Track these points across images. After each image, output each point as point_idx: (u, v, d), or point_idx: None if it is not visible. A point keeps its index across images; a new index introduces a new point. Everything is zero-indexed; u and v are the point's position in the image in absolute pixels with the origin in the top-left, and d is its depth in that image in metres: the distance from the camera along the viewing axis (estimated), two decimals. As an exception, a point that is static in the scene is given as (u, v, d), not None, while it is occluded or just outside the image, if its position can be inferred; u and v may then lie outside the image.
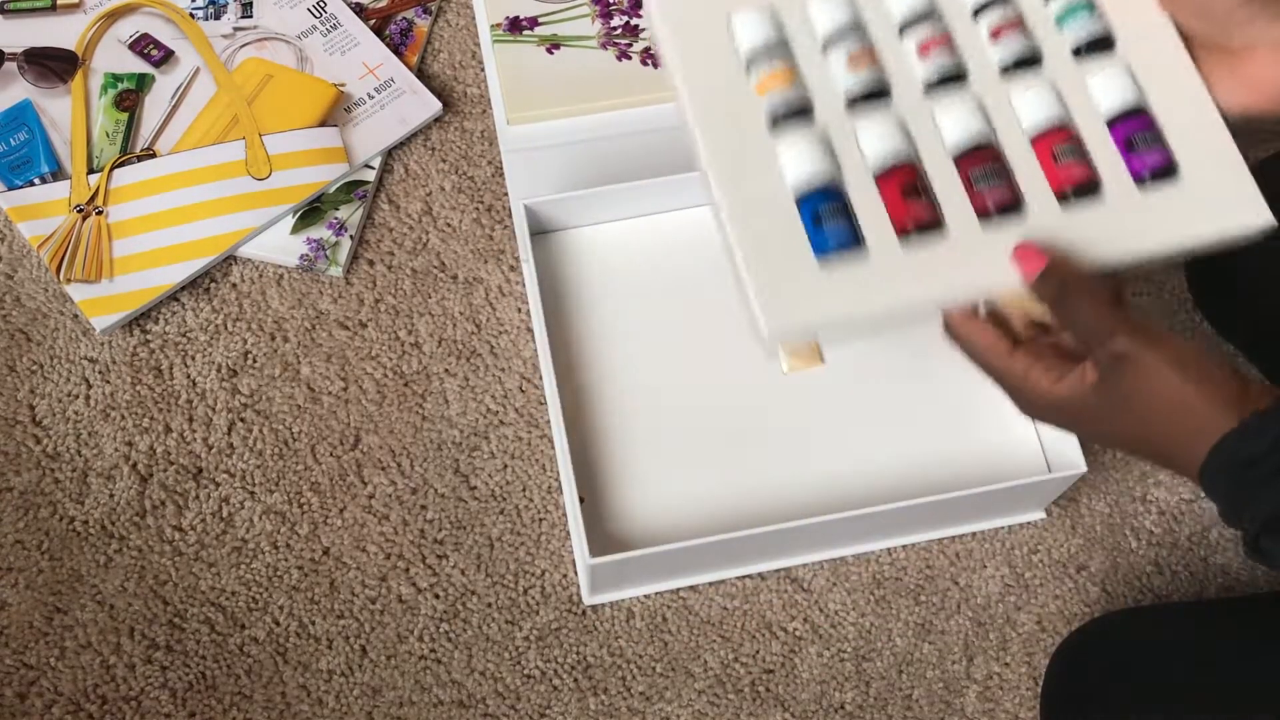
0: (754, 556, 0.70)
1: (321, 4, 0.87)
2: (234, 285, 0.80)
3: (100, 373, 0.77)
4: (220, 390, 0.77)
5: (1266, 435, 0.50)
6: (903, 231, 0.58)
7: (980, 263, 0.58)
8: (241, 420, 0.76)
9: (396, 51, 0.87)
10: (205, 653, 0.71)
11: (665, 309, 0.77)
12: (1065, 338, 0.57)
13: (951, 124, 0.60)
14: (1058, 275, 0.54)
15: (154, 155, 0.81)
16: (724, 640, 0.73)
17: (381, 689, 0.71)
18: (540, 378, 0.78)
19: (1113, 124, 0.60)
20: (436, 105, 0.85)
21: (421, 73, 0.87)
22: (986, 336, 0.56)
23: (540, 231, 0.79)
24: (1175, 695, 0.63)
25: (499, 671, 0.72)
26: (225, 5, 0.87)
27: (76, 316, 0.78)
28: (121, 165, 0.81)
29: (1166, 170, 0.60)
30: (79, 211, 0.79)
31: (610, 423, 0.74)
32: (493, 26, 0.87)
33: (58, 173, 0.81)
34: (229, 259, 0.80)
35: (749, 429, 0.74)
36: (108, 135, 0.82)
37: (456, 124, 0.86)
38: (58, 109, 0.82)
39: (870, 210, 0.58)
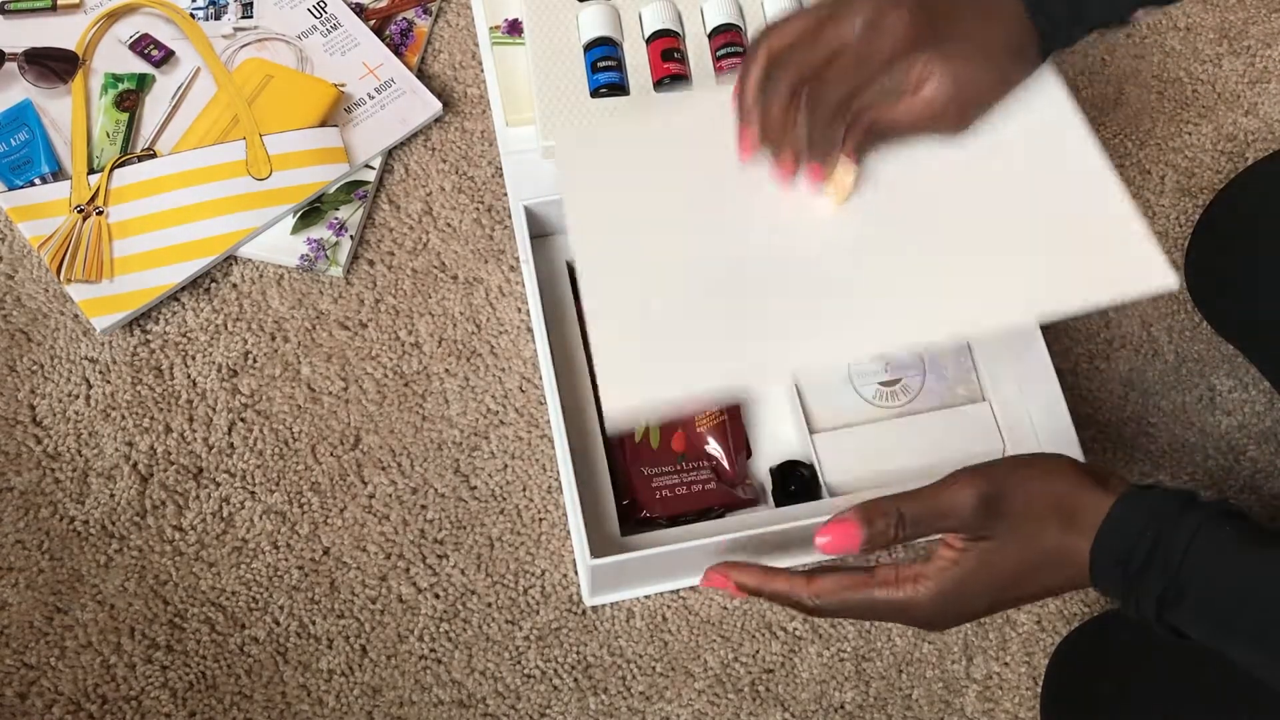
0: (754, 557, 0.70)
1: (322, 4, 0.87)
2: (234, 285, 0.80)
3: (101, 373, 0.77)
4: (220, 390, 0.77)
5: (1132, 526, 0.51)
6: (658, 83, 0.79)
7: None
8: (242, 420, 0.76)
9: (396, 52, 0.87)
10: (205, 652, 0.71)
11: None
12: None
13: (711, 9, 0.81)
14: (879, 512, 0.55)
15: (154, 155, 0.81)
16: (724, 640, 0.73)
17: (381, 689, 0.71)
18: (540, 378, 0.78)
19: None
20: (436, 105, 0.85)
21: (422, 73, 0.87)
22: (843, 580, 0.57)
23: (540, 233, 0.79)
24: (1174, 694, 0.63)
25: (499, 671, 0.72)
26: (225, 5, 0.87)
27: (77, 316, 0.78)
28: (122, 165, 0.81)
29: None
30: (79, 212, 0.79)
31: (610, 423, 0.74)
32: (491, 29, 0.87)
33: (58, 173, 0.81)
34: (229, 259, 0.80)
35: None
36: (108, 135, 0.82)
37: (456, 124, 0.86)
38: (58, 109, 0.82)
39: (637, 65, 0.79)
